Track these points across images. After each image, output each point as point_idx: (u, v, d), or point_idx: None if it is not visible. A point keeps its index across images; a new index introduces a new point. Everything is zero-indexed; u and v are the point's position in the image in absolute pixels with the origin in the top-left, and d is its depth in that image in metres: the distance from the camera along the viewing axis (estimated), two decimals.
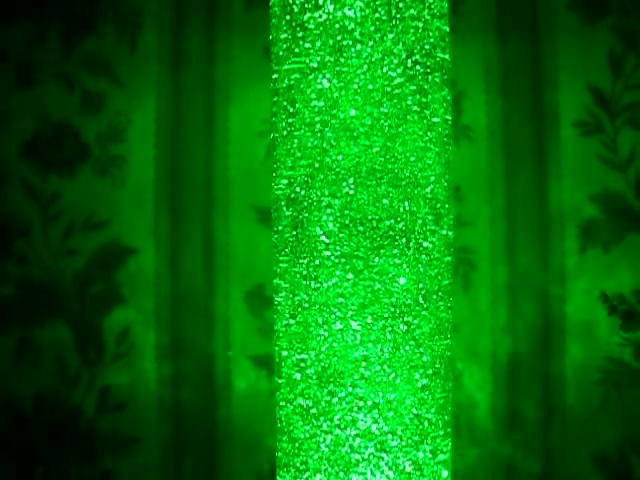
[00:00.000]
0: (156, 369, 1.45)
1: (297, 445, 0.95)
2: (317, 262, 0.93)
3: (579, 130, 1.44)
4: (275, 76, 0.97)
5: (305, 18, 0.93)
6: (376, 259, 0.92)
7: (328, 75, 0.92)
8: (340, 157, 0.92)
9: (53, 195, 1.44)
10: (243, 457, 1.45)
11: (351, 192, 0.92)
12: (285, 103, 0.95)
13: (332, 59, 0.92)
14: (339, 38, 0.91)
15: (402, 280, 0.92)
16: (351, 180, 0.92)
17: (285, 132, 0.95)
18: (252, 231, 1.45)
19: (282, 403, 0.98)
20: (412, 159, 0.93)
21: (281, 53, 0.95)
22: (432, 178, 0.94)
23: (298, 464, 0.96)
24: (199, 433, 1.45)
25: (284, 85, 0.95)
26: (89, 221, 1.44)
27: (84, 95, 1.44)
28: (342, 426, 0.93)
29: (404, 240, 0.92)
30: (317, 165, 0.92)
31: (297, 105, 0.94)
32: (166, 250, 1.45)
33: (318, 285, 0.93)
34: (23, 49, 1.44)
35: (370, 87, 0.91)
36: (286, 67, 0.94)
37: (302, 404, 0.94)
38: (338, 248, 0.92)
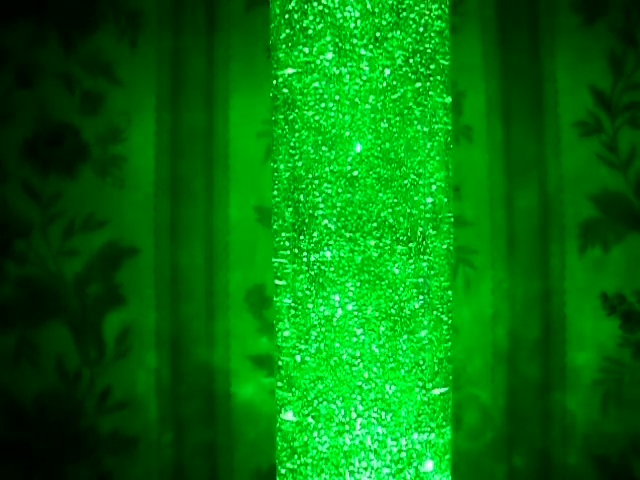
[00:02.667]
0: (156, 369, 1.45)
1: (297, 446, 0.96)
2: (317, 266, 0.93)
3: (579, 130, 1.44)
4: (275, 76, 0.97)
5: (305, 19, 0.93)
6: (376, 260, 0.92)
7: (328, 76, 0.92)
8: (340, 157, 0.92)
9: (53, 195, 1.44)
10: (243, 457, 1.45)
11: (351, 193, 0.92)
12: (285, 106, 0.95)
13: (332, 60, 0.92)
14: (339, 39, 0.91)
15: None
16: (350, 181, 0.92)
17: (285, 132, 0.95)
18: (252, 231, 1.45)
19: (280, 403, 0.98)
20: (414, 163, 0.93)
21: (281, 55, 0.95)
22: (433, 187, 0.94)
23: (297, 463, 0.96)
24: (199, 433, 1.45)
25: (284, 86, 0.95)
26: (89, 221, 1.44)
27: (84, 95, 1.44)
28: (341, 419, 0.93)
29: (405, 242, 0.93)
30: (316, 165, 0.92)
31: (297, 106, 0.94)
32: (166, 250, 1.45)
33: (318, 285, 0.93)
34: (23, 49, 1.44)
35: (371, 95, 0.92)
36: (287, 72, 0.94)
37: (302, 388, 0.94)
38: (338, 247, 0.92)
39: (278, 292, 0.97)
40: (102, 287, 1.45)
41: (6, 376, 1.44)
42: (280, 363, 0.98)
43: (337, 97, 0.92)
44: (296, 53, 0.93)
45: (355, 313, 0.92)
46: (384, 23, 0.91)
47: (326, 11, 0.92)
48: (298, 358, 0.95)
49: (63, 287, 1.44)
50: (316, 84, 0.92)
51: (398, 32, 0.92)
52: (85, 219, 1.44)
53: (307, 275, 0.93)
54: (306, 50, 0.93)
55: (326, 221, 0.92)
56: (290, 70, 0.94)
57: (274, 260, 0.98)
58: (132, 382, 1.45)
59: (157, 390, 1.45)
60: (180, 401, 1.45)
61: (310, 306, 0.93)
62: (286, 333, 0.96)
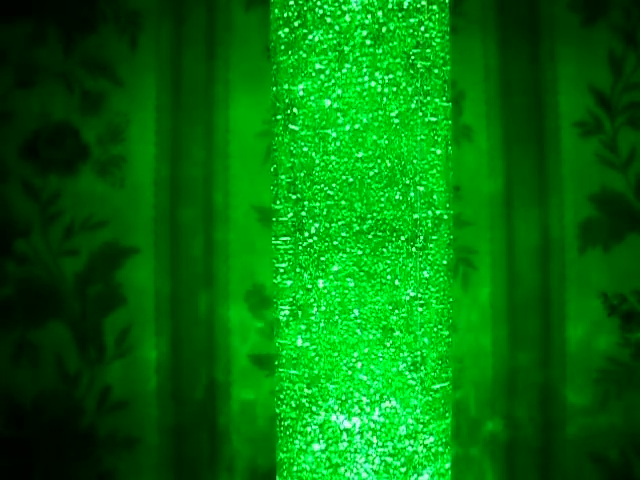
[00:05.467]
0: (156, 369, 1.45)
1: (296, 443, 0.96)
2: (316, 263, 0.93)
3: (579, 130, 1.44)
4: (275, 77, 0.97)
5: (304, 19, 0.93)
6: (376, 259, 0.92)
7: (328, 74, 0.92)
8: (340, 157, 0.92)
9: (53, 195, 1.44)
10: (243, 457, 1.45)
11: (350, 193, 0.92)
12: (285, 105, 0.95)
13: (332, 59, 0.92)
14: (339, 38, 0.91)
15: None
16: (351, 181, 0.92)
17: (285, 132, 0.95)
18: (252, 231, 1.45)
19: (280, 394, 0.98)
20: (414, 161, 0.93)
21: (282, 58, 0.95)
22: (438, 192, 0.94)
23: (297, 463, 0.96)
24: (199, 433, 1.45)
25: (284, 85, 0.95)
26: (89, 221, 1.44)
27: (84, 95, 1.44)
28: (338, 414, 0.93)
29: (405, 241, 0.93)
30: (316, 166, 0.92)
31: (297, 105, 0.94)
32: (166, 250, 1.45)
33: (318, 284, 0.93)
34: (23, 49, 1.44)
35: (371, 97, 0.92)
36: (288, 85, 0.94)
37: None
38: (337, 246, 0.92)
39: (278, 275, 0.97)
40: (102, 287, 1.45)
41: (6, 376, 1.44)
42: (279, 344, 0.98)
43: (337, 98, 0.92)
44: (296, 57, 0.93)
45: (354, 312, 0.92)
46: (384, 20, 0.91)
47: (325, 9, 0.92)
48: (299, 342, 0.95)
49: (63, 287, 1.44)
50: (316, 85, 0.92)
51: (397, 39, 0.92)
52: (85, 219, 1.44)
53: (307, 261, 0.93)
54: (306, 50, 0.93)
55: (326, 224, 0.92)
56: (290, 68, 0.94)
57: (274, 243, 0.98)
58: (132, 382, 1.45)
59: (157, 390, 1.45)
60: (180, 401, 1.45)
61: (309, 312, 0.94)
62: (285, 312, 0.96)
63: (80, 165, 1.45)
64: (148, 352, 1.45)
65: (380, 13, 0.91)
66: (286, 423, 0.97)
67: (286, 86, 0.95)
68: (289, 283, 0.95)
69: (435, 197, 0.94)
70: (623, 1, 1.44)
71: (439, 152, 0.95)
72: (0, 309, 1.44)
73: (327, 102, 0.92)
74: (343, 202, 0.92)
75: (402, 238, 0.92)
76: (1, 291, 1.44)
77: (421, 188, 0.93)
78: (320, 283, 0.92)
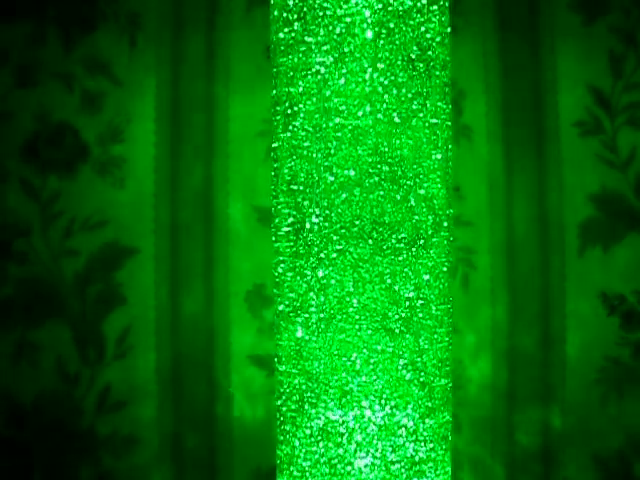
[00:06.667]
0: (156, 369, 1.45)
1: (297, 443, 0.96)
2: (316, 263, 0.93)
3: (579, 130, 1.44)
4: (275, 77, 0.97)
5: (304, 20, 0.93)
6: (376, 260, 0.92)
7: (327, 77, 0.92)
8: (340, 157, 0.92)
9: (53, 195, 1.44)
10: (243, 457, 1.45)
11: (350, 194, 0.92)
12: (285, 105, 0.95)
13: (333, 60, 0.92)
14: (340, 38, 0.91)
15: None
16: (351, 179, 0.92)
17: (285, 132, 0.95)
18: (252, 231, 1.45)
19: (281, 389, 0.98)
20: (414, 166, 0.93)
21: (282, 59, 0.95)
22: (438, 195, 0.94)
23: (298, 462, 0.96)
24: (199, 433, 1.45)
25: (284, 85, 0.95)
26: (89, 221, 1.44)
27: (84, 95, 1.44)
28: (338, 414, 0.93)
29: (405, 243, 0.93)
30: (317, 166, 0.92)
31: (297, 105, 0.94)
32: (166, 250, 1.45)
33: (317, 285, 0.93)
34: (23, 49, 1.44)
35: (371, 97, 0.92)
36: (289, 75, 0.94)
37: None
38: (338, 248, 0.92)
39: (277, 268, 0.97)
40: (102, 287, 1.45)
41: (6, 376, 1.44)
42: (278, 340, 0.98)
43: (337, 99, 0.92)
44: (296, 59, 0.93)
45: (353, 306, 0.92)
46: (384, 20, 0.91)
47: (326, 9, 0.92)
48: (299, 333, 0.95)
49: (63, 287, 1.44)
50: (316, 85, 0.92)
51: (398, 29, 0.92)
52: (85, 219, 1.44)
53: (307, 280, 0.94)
54: (306, 51, 0.93)
55: (326, 224, 0.92)
56: (290, 69, 0.94)
57: (274, 238, 0.98)
58: (132, 382, 1.45)
59: (157, 390, 1.45)
60: (180, 401, 1.45)
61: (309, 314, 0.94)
62: (285, 309, 0.96)
63: (80, 165, 1.44)
64: (148, 352, 1.45)
65: (380, 9, 0.91)
66: (286, 423, 0.97)
67: (286, 87, 0.95)
68: (288, 278, 0.95)
69: (435, 200, 0.94)
70: (623, 1, 1.44)
71: (439, 156, 0.95)
72: (0, 309, 1.44)
73: (327, 102, 0.92)
74: (343, 202, 0.92)
75: (402, 240, 0.92)
76: (1, 291, 1.44)
77: (422, 191, 0.93)
78: (320, 273, 0.92)
